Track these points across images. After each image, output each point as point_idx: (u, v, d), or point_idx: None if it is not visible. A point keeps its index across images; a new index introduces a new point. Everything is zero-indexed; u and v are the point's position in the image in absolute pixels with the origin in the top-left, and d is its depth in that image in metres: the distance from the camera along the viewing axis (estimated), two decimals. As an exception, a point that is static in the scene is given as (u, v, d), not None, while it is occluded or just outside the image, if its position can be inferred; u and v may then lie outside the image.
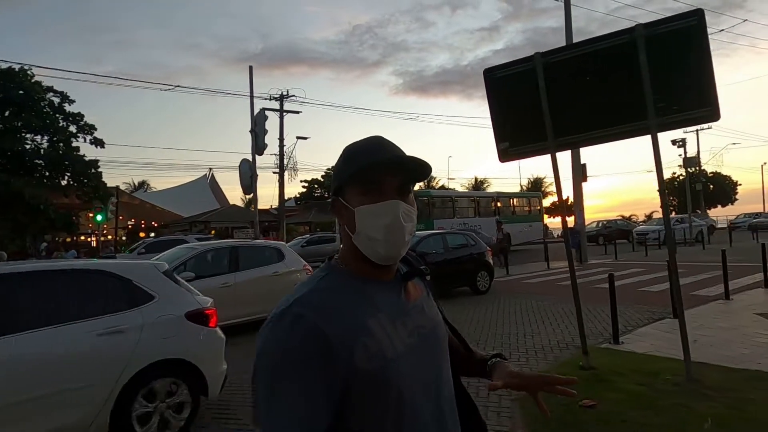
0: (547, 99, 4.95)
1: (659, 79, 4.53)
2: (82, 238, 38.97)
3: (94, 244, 38.08)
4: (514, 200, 23.66)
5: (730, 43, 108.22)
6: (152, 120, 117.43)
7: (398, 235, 0.96)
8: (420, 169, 0.99)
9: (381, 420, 0.90)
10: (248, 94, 14.66)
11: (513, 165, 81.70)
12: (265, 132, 11.75)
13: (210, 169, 46.46)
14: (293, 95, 28.66)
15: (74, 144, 23.50)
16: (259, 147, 11.76)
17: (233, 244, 8.53)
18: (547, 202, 62.94)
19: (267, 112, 29.05)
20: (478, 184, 57.64)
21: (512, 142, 5.26)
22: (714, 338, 6.31)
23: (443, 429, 1.01)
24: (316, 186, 58.35)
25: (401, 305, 1.01)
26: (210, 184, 46.25)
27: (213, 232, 30.71)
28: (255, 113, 11.86)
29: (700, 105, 4.47)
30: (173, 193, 43.97)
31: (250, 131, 11.76)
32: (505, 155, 5.33)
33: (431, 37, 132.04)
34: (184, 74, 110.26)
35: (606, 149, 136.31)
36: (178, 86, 63.98)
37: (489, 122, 5.29)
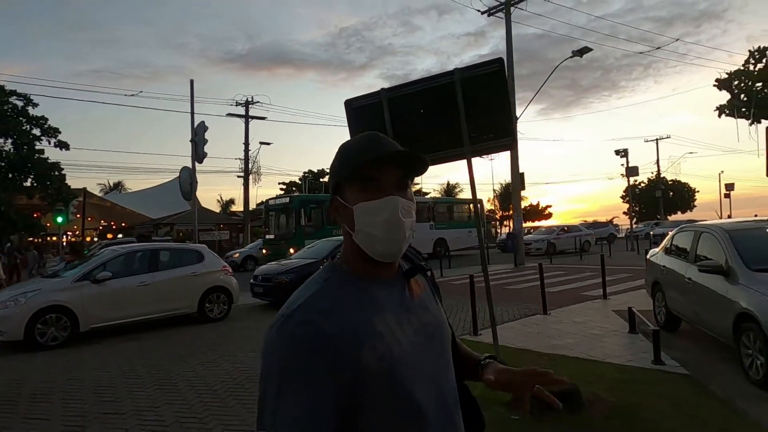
0: (391, 127, 5.90)
1: (472, 113, 5.50)
2: (53, 238, 39.21)
3: (64, 243, 38.42)
4: (453, 206, 24.75)
5: (707, 53, 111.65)
6: (133, 122, 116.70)
7: (398, 231, 0.95)
8: (417, 163, 0.99)
9: (391, 418, 0.90)
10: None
11: (487, 171, 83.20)
12: (205, 142, 12.54)
13: (184, 171, 46.82)
14: (258, 101, 29.65)
15: (39, 147, 24.04)
16: (198, 156, 12.54)
17: (155, 246, 9.37)
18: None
19: (233, 118, 29.86)
20: (450, 189, 58.87)
21: (368, 162, 6.19)
22: (557, 330, 7.32)
23: (450, 424, 1.01)
24: (294, 189, 59.05)
25: (406, 303, 1.00)
26: (182, 187, 46.53)
27: (181, 234, 31.26)
28: (196, 124, 12.66)
29: (502, 135, 5.46)
30: (146, 195, 44.26)
31: (190, 141, 12.57)
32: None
33: (418, 41, 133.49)
34: (170, 73, 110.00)
35: (588, 154, 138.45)
36: (141, 92, 64.60)
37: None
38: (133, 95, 34.61)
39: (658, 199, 45.54)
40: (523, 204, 63.26)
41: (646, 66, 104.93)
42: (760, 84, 15.16)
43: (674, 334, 6.73)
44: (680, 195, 49.62)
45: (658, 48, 30.47)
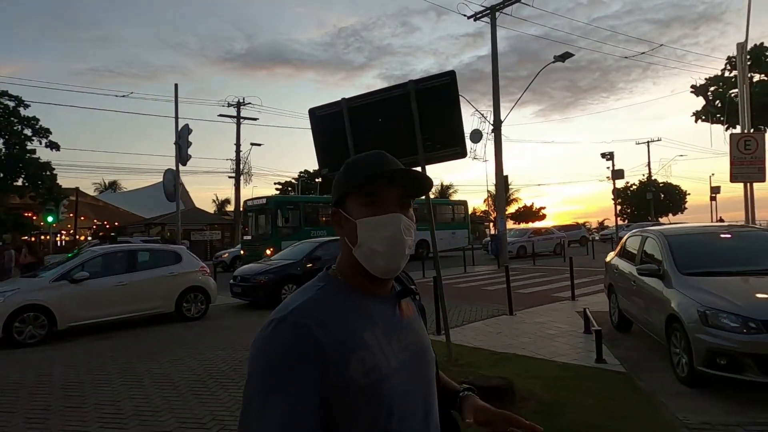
0: (351, 134, 6.16)
1: (426, 122, 5.78)
2: (47, 237, 39.44)
3: (59, 243, 38.74)
4: (436, 207, 24.94)
5: (706, 54, 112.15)
6: (129, 122, 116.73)
7: (399, 249, 0.97)
8: (422, 182, 1.02)
9: None
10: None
11: (482, 173, 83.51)
12: (189, 144, 12.78)
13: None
14: (249, 102, 29.91)
15: (30, 147, 24.23)
16: (182, 158, 12.77)
17: (133, 247, 9.62)
18: (512, 209, 65.30)
19: (225, 119, 30.13)
20: (444, 190, 59.14)
21: (330, 168, 6.46)
22: (516, 330, 7.59)
23: None
24: (289, 189, 59.20)
25: (396, 321, 1.02)
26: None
27: (170, 234, 31.47)
28: (179, 128, 12.90)
29: (453, 144, 5.73)
30: (139, 194, 44.37)
31: (174, 144, 12.80)
32: (326, 178, 6.54)
33: (416, 42, 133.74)
34: (168, 72, 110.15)
35: (585, 155, 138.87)
36: (132, 93, 65.31)
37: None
38: (124, 96, 35.33)
39: (649, 201, 45.92)
40: (517, 205, 64.12)
41: (645, 68, 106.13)
42: (735, 91, 15.47)
43: (627, 334, 7.00)
44: (671, 197, 49.95)
45: (643, 53, 30.92)
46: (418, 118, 5.76)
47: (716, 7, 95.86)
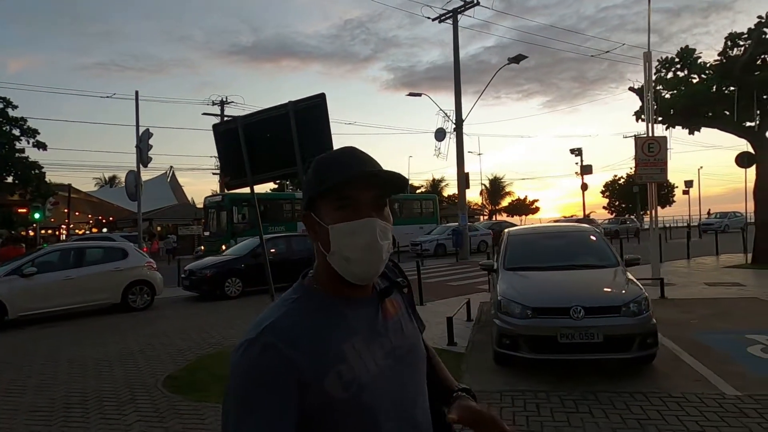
0: (246, 148, 7.05)
1: (303, 137, 6.66)
2: (49, 231, 40.71)
3: (63, 237, 40.10)
4: (403, 203, 25.31)
5: (716, 43, 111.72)
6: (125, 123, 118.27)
7: (375, 256, 0.93)
8: (395, 181, 0.96)
9: None
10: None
11: (476, 167, 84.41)
12: (150, 147, 13.72)
13: (171, 167, 48.12)
14: (232, 101, 30.86)
15: (19, 146, 25.33)
16: (143, 160, 13.73)
17: (81, 245, 10.61)
18: (505, 202, 66.18)
19: (208, 117, 31.05)
20: (436, 184, 59.95)
21: (231, 177, 7.35)
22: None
23: None
24: (287, 184, 60.09)
25: (378, 325, 0.99)
26: (171, 183, 47.89)
27: (159, 229, 32.59)
28: (141, 132, 13.83)
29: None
30: (134, 190, 45.55)
31: (136, 147, 13.74)
32: (228, 185, 7.43)
33: (423, 33, 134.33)
34: (174, 65, 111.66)
35: (592, 146, 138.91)
36: (115, 94, 66.76)
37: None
38: (108, 97, 36.84)
39: (635, 194, 46.53)
40: (510, 199, 64.90)
41: (653, 57, 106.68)
42: (674, 92, 16.11)
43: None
44: (659, 190, 50.47)
45: (608, 51, 31.40)
46: (296, 134, 6.65)
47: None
